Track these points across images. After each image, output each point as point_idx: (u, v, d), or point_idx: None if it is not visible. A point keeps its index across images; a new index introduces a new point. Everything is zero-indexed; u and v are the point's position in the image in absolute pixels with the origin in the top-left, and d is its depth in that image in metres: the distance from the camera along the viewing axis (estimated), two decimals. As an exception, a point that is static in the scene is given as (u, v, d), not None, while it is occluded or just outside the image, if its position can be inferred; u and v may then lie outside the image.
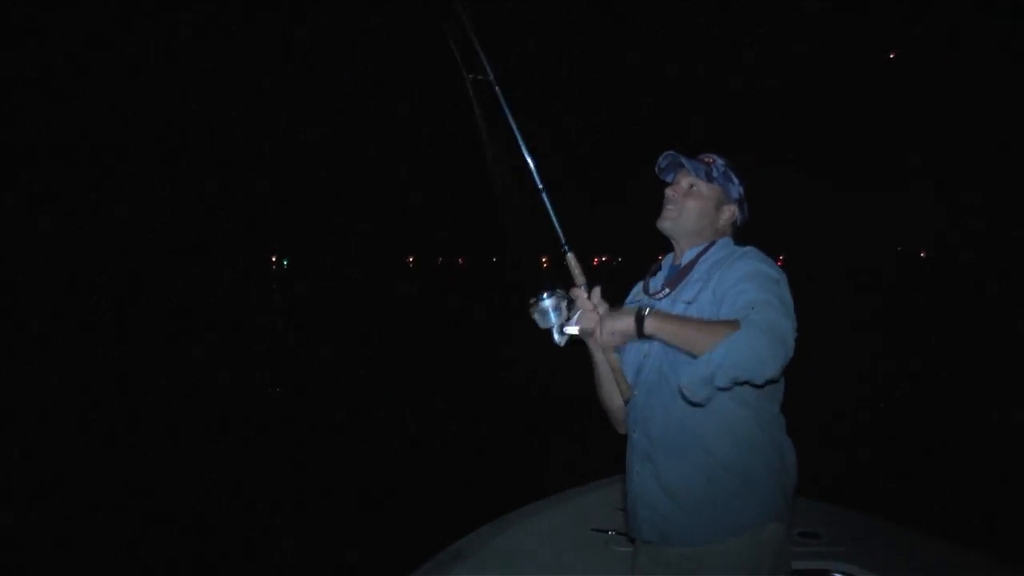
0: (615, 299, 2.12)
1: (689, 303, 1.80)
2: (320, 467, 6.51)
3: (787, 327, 1.61)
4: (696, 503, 1.75)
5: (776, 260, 1.88)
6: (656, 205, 1.99)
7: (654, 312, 1.68)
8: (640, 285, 2.07)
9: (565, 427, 6.99)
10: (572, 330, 1.80)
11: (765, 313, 1.61)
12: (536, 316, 1.82)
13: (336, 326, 20.28)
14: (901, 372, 12.07)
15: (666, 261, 2.04)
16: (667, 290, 1.91)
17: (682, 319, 1.70)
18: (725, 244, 1.92)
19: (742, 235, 1.99)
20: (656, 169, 1.98)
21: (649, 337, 1.67)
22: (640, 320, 1.66)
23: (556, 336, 1.83)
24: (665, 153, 1.93)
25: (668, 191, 1.94)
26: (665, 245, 2.05)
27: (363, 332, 18.28)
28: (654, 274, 2.05)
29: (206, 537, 4.89)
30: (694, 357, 1.61)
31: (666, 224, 1.94)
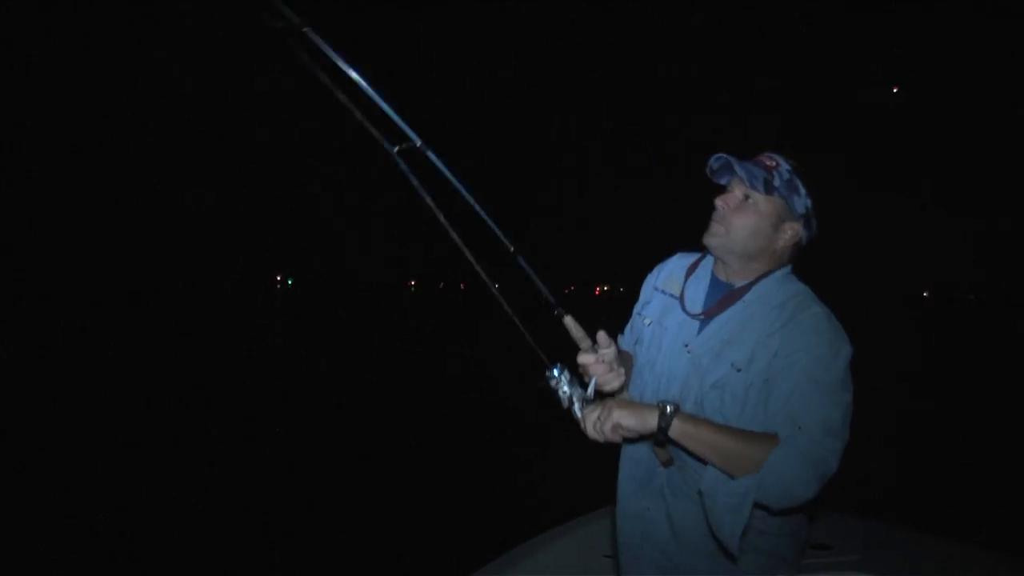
0: (617, 329, 1.91)
1: (739, 370, 1.54)
2: (319, 495, 6.26)
3: (835, 453, 1.42)
4: (706, 552, 1.63)
5: None
6: (707, 219, 1.68)
7: (681, 415, 1.44)
8: (668, 277, 1.81)
9: (567, 450, 6.86)
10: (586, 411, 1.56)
11: (813, 438, 1.41)
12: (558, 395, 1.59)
13: (341, 340, 20.36)
14: (913, 379, 12.10)
15: (705, 266, 1.76)
16: (703, 317, 1.65)
17: (713, 429, 1.45)
18: (783, 280, 1.64)
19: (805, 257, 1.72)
20: (708, 171, 1.68)
21: (670, 442, 1.47)
22: (664, 422, 1.43)
23: (581, 412, 1.57)
24: (716, 155, 1.64)
25: (718, 201, 1.65)
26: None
27: (368, 348, 18.32)
28: (689, 274, 1.77)
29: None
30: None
31: (713, 242, 1.65)
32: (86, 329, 20.75)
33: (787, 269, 1.67)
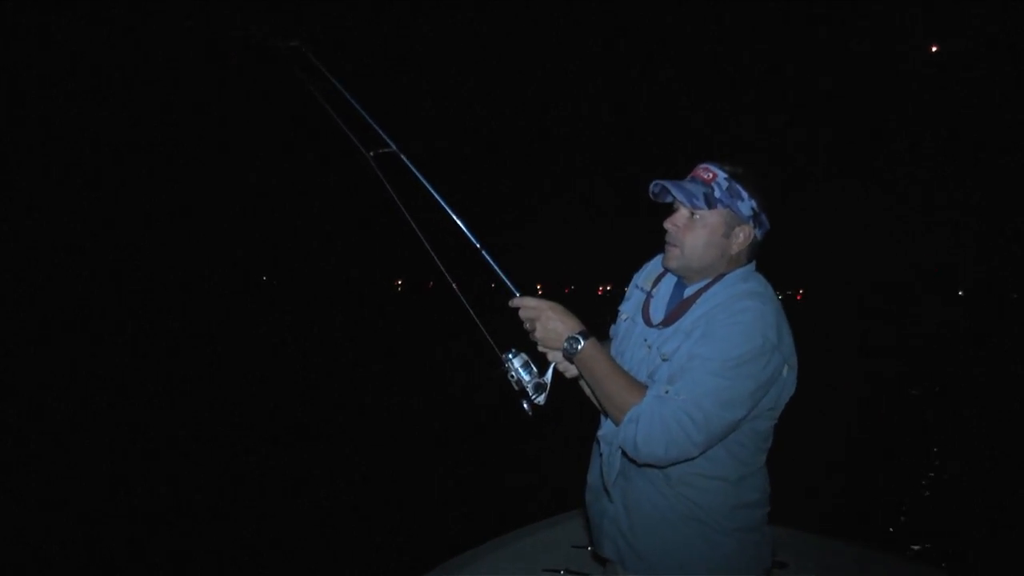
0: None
1: (665, 359, 1.65)
2: (283, 494, 6.13)
3: (695, 424, 1.50)
4: (656, 534, 1.67)
5: (796, 295, 1.71)
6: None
7: (591, 344, 1.60)
8: (647, 276, 1.94)
9: (514, 459, 6.87)
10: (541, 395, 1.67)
11: (677, 402, 1.51)
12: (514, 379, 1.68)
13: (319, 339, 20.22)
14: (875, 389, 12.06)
15: (669, 277, 1.85)
16: (662, 327, 1.74)
17: (604, 369, 1.61)
18: (734, 281, 1.68)
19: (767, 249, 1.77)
20: (650, 196, 1.74)
21: (569, 360, 1.64)
22: (573, 344, 1.59)
23: (533, 397, 1.66)
24: (653, 182, 1.69)
25: (667, 224, 1.71)
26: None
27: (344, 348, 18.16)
28: (656, 283, 1.89)
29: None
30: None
31: (672, 264, 1.72)
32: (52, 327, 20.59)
33: (747, 268, 1.72)
